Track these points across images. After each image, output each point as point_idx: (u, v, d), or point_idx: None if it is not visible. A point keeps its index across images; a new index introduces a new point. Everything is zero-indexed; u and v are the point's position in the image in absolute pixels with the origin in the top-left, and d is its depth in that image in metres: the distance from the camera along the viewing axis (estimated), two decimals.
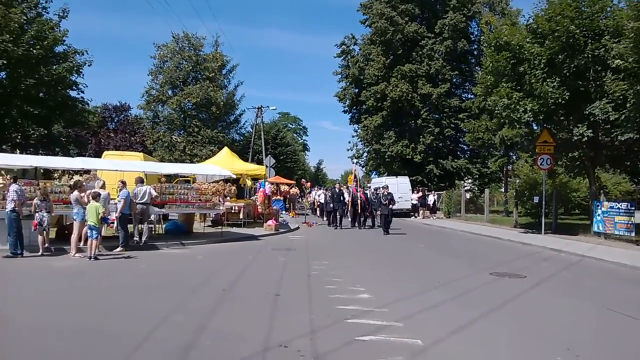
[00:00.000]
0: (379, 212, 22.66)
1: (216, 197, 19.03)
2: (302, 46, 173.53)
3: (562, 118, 19.35)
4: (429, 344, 5.80)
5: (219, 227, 18.73)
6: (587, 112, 17.26)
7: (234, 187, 22.11)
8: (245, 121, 60.75)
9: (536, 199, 22.73)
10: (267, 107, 46.25)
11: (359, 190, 24.66)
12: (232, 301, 7.96)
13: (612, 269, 12.22)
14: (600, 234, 18.20)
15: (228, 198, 21.21)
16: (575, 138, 17.94)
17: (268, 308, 7.42)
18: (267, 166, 29.64)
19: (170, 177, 20.97)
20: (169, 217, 19.16)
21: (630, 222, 17.05)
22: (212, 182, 20.73)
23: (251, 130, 48.08)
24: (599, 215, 18.37)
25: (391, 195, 21.74)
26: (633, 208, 17.46)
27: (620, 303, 8.25)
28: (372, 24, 43.57)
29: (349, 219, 24.75)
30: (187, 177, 22.35)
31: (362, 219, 24.11)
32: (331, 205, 23.88)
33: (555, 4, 17.89)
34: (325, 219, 27.49)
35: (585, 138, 17.60)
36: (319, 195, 32.43)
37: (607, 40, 16.34)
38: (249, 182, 24.89)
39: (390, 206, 21.15)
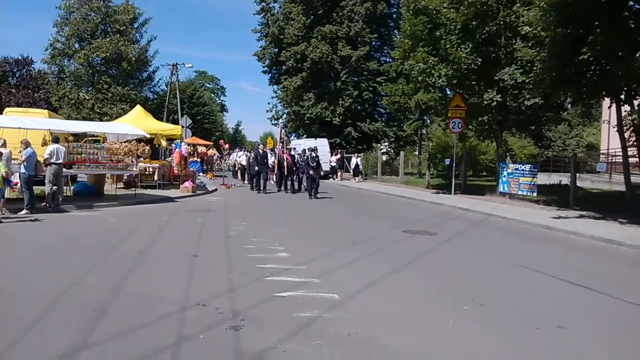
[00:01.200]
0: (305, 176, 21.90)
1: (129, 158, 18.31)
2: (220, 1, 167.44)
3: (473, 83, 20.08)
4: (345, 298, 5.96)
5: (132, 189, 18.06)
6: (497, 78, 18.03)
7: (147, 147, 21.29)
8: (160, 79, 58.62)
9: (447, 162, 23.72)
10: (183, 64, 44.54)
11: (285, 152, 23.51)
12: (148, 263, 7.76)
13: (514, 226, 13.07)
14: (506, 194, 19.33)
15: (141, 159, 20.44)
16: (485, 103, 18.71)
17: (185, 269, 7.30)
18: (183, 126, 28.79)
19: (78, 137, 19.84)
20: (78, 179, 18.19)
21: (533, 183, 18.22)
22: (124, 142, 19.88)
23: (166, 89, 46.35)
24: (504, 176, 19.46)
25: (319, 158, 20.90)
26: (536, 170, 18.67)
27: (521, 257, 8.86)
28: None
29: (274, 183, 24.22)
30: (97, 136, 21.22)
31: (288, 182, 23.22)
32: (255, 168, 22.11)
33: None
34: (246, 181, 26.65)
35: (495, 103, 18.40)
36: (239, 157, 31.16)
37: (519, 7, 16.99)
38: (164, 143, 24.08)
39: (318, 170, 20.42)
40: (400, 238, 10.54)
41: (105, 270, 7.21)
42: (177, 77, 44.79)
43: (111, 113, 36.34)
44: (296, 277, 6.86)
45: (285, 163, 22.73)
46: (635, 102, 14.48)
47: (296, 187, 23.11)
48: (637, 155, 15.24)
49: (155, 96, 46.71)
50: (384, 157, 38.12)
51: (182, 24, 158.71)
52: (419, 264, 8.06)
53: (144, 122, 21.06)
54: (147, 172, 20.65)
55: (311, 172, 19.70)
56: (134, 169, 17.82)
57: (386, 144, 45.56)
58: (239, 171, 31.14)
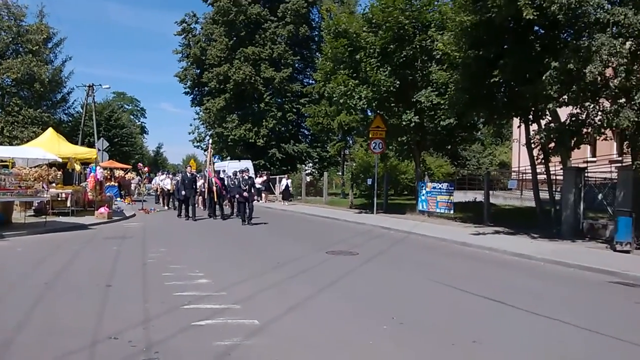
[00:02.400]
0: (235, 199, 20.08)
1: (39, 184, 17.26)
2: (139, 21, 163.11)
3: (393, 105, 20.70)
4: (266, 323, 5.84)
5: (43, 216, 17.02)
6: (414, 99, 18.67)
7: (59, 172, 20.18)
8: (75, 100, 56.39)
9: (370, 181, 24.17)
10: (100, 85, 42.93)
11: (214, 174, 21.46)
12: (56, 295, 7.25)
13: (433, 244, 13.45)
14: (425, 212, 19.92)
15: (53, 184, 19.33)
16: (404, 123, 19.32)
17: (98, 300, 6.89)
18: (99, 149, 27.65)
19: None
20: None
21: (449, 201, 18.91)
22: (35, 167, 18.75)
23: (81, 111, 44.37)
24: (423, 195, 20.09)
25: (252, 180, 19.57)
26: (452, 188, 19.40)
27: (439, 274, 9.10)
28: (215, 2, 42.50)
29: (201, 208, 22.81)
30: (5, 161, 19.88)
31: (216, 207, 21.07)
32: (182, 192, 19.72)
33: None
34: (169, 206, 25.47)
35: (413, 123, 19.04)
36: (162, 181, 28.14)
37: (433, 32, 17.76)
38: (77, 167, 22.92)
39: (252, 192, 18.77)
40: (323, 259, 10.54)
41: (8, 304, 6.69)
42: (94, 98, 43.08)
43: (22, 137, 34.23)
44: (216, 304, 6.65)
45: (214, 187, 20.79)
46: (543, 122, 15.41)
47: (226, 212, 21.47)
48: (545, 172, 16.14)
49: (70, 119, 44.60)
50: (308, 178, 38.30)
51: (100, 44, 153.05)
52: (341, 285, 8.06)
53: (56, 145, 19.96)
54: (59, 199, 19.52)
55: (245, 194, 18.01)
56: (45, 195, 16.82)
57: (310, 164, 45.88)
58: (161, 196, 28.60)
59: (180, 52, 47.41)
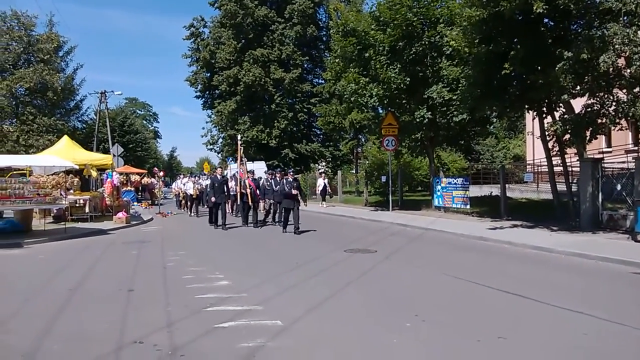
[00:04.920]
0: (269, 202, 18.27)
1: (57, 191, 17.50)
2: (148, 27, 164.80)
3: (404, 102, 20.64)
4: (289, 324, 5.86)
5: (63, 223, 17.23)
6: (426, 96, 18.60)
7: (76, 179, 20.37)
8: (88, 107, 56.68)
9: (384, 178, 24.15)
10: (112, 92, 43.43)
11: (247, 176, 18.51)
12: (80, 301, 7.34)
13: (451, 239, 13.40)
14: (441, 208, 19.85)
15: (71, 191, 19.56)
16: (417, 120, 19.26)
17: (121, 304, 6.97)
18: (114, 155, 27.89)
19: (2, 171, 18.77)
20: (4, 216, 17.19)
21: (465, 196, 18.82)
22: (52, 175, 18.98)
23: (95, 117, 44.81)
24: (438, 191, 20.01)
25: (298, 181, 16.65)
26: (468, 183, 19.31)
27: (459, 269, 9.06)
28: (222, 6, 42.73)
29: (233, 214, 21.22)
30: (22, 169, 20.15)
31: (250, 212, 18.24)
32: (213, 198, 17.24)
33: None
34: (190, 213, 23.72)
35: (426, 120, 18.96)
36: (184, 185, 26.05)
37: (442, 27, 17.69)
38: (94, 173, 23.14)
39: (297, 195, 15.61)
40: (341, 258, 10.55)
41: (33, 312, 6.76)
42: (107, 105, 43.55)
43: (37, 145, 34.61)
44: (238, 306, 6.69)
45: (248, 189, 17.91)
46: (557, 114, 15.28)
47: (260, 218, 18.32)
48: (561, 164, 16.01)
49: (84, 125, 45.01)
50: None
51: (110, 51, 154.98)
52: (361, 283, 8.07)
53: (72, 153, 20.19)
54: (77, 205, 19.76)
55: (294, 195, 15.29)
56: (63, 202, 17.02)
57: (323, 164, 45.92)
58: (183, 200, 26.75)
59: (189, 57, 47.76)
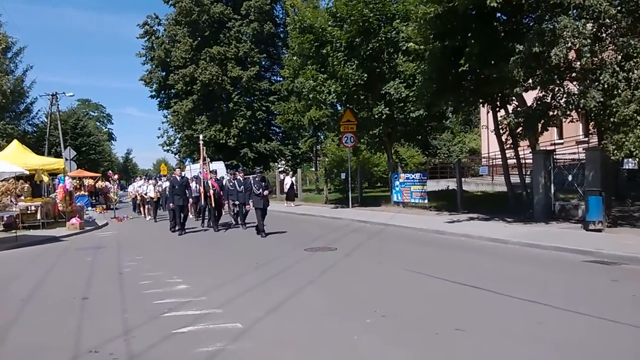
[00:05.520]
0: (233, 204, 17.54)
1: (7, 198, 16.83)
2: (100, 26, 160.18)
3: (362, 98, 20.77)
4: (249, 326, 5.77)
5: (13, 231, 16.58)
6: (383, 92, 18.74)
7: (27, 185, 19.64)
8: (39, 110, 54.88)
9: (343, 176, 24.24)
10: (64, 93, 42.19)
11: (210, 176, 17.41)
12: (34, 310, 7.05)
13: (410, 234, 13.56)
14: (400, 203, 20.06)
15: (22, 197, 18.85)
16: (375, 116, 19.39)
17: (76, 313, 6.72)
18: (66, 159, 26.97)
19: None
20: None
21: (423, 191, 19.07)
22: (1, 181, 18.24)
23: (46, 120, 43.38)
24: (397, 186, 20.21)
25: (267, 181, 15.89)
26: (425, 178, 19.57)
27: (418, 264, 9.16)
28: (177, 3, 41.97)
29: (194, 217, 20.14)
30: None
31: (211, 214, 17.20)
32: (172, 202, 16.21)
33: None
34: (153, 218, 22.27)
35: (384, 116, 19.12)
36: (140, 187, 25.01)
37: (398, 23, 17.84)
38: (45, 178, 22.34)
39: (265, 193, 14.43)
40: (302, 257, 10.50)
41: None
42: (58, 107, 42.24)
43: None
44: (196, 310, 6.54)
45: (211, 191, 16.75)
46: (510, 107, 15.62)
47: (229, 220, 18.02)
48: (514, 157, 16.39)
49: (35, 129, 43.49)
50: (282, 176, 38.17)
51: (61, 51, 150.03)
52: (322, 282, 8.04)
53: (22, 157, 19.41)
54: (28, 212, 19.04)
55: (263, 195, 14.27)
56: (14, 209, 16.38)
57: (283, 162, 45.76)
58: (141, 205, 25.44)
59: (143, 55, 46.67)
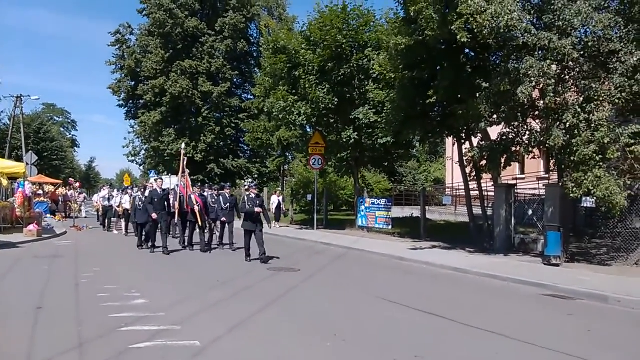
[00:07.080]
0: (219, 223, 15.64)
1: None
2: (70, 30, 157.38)
3: (332, 121, 20.98)
4: (207, 344, 5.71)
5: None
6: (353, 117, 18.99)
7: None
8: (2, 112, 53.49)
9: (309, 197, 24.26)
10: (29, 96, 41.20)
11: (193, 190, 15.62)
12: None
13: (373, 259, 13.66)
14: (364, 228, 20.18)
15: None
16: (343, 140, 19.60)
17: (29, 323, 6.51)
18: (27, 163, 26.27)
19: None
20: None
21: (388, 217, 19.26)
22: None
23: (8, 123, 42.35)
24: (362, 210, 20.35)
25: (262, 198, 14.35)
26: (390, 204, 19.79)
27: (380, 289, 9.25)
28: (151, 14, 41.70)
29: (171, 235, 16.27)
30: None
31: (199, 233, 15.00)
32: (153, 215, 14.09)
33: (326, 14, 19.32)
34: (115, 230, 20.83)
35: (352, 140, 19.35)
36: (102, 198, 22.76)
37: (370, 52, 18.19)
38: (4, 182, 21.70)
39: (259, 212, 12.75)
40: (265, 276, 10.46)
41: None
42: (22, 110, 41.31)
43: None
44: (154, 326, 6.43)
45: (196, 207, 14.74)
46: (475, 140, 16.01)
47: (207, 239, 15.10)
48: (477, 189, 16.74)
49: None
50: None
51: (29, 53, 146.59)
52: (283, 302, 8.02)
53: None
54: None
55: (258, 213, 12.74)
56: None
57: (250, 180, 45.47)
58: (102, 216, 23.38)
59: (114, 64, 46.00)
